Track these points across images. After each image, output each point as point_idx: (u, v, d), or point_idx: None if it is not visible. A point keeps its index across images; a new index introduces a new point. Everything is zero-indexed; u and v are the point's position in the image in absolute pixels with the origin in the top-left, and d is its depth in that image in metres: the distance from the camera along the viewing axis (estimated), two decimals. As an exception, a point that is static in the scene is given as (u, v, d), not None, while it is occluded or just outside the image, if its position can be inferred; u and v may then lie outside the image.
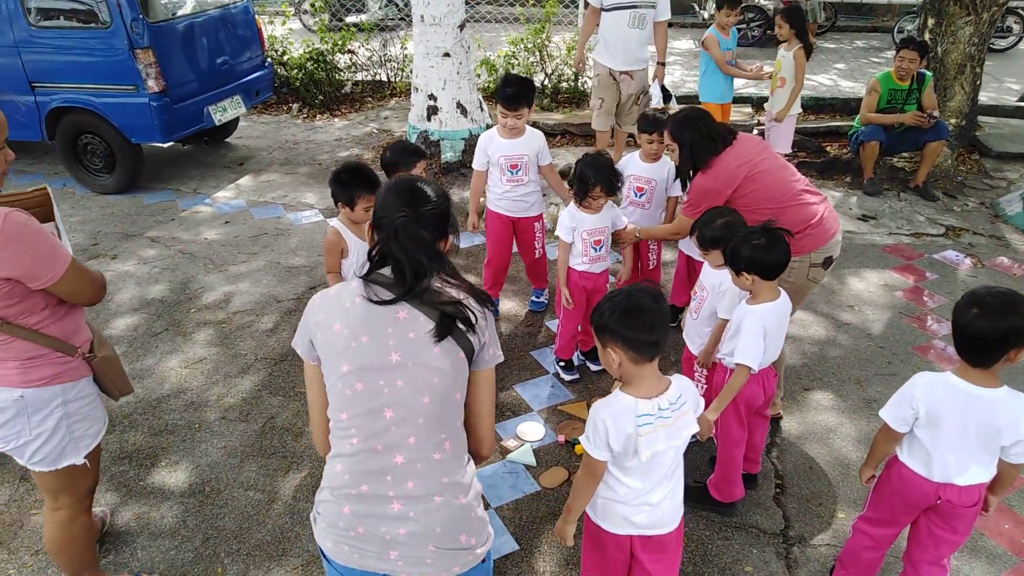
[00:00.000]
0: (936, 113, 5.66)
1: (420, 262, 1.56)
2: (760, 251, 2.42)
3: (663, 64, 5.52)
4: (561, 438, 3.26)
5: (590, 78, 5.69)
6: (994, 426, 2.00)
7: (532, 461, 3.13)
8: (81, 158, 5.88)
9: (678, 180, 3.61)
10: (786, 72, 5.58)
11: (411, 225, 1.58)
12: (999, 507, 2.91)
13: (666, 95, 5.53)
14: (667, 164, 3.77)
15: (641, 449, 1.87)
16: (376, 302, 1.57)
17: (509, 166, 3.76)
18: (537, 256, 4.07)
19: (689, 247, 3.69)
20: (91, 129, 5.69)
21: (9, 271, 1.87)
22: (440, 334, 1.56)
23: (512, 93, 3.56)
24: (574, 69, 7.92)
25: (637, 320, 1.80)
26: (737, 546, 2.71)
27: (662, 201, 3.82)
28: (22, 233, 1.85)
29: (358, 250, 3.08)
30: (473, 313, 1.60)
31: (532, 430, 3.29)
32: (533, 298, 4.31)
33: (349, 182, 2.93)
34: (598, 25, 5.37)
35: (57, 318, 2.07)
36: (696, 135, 3.03)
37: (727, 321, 2.85)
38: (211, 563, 2.66)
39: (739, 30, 10.85)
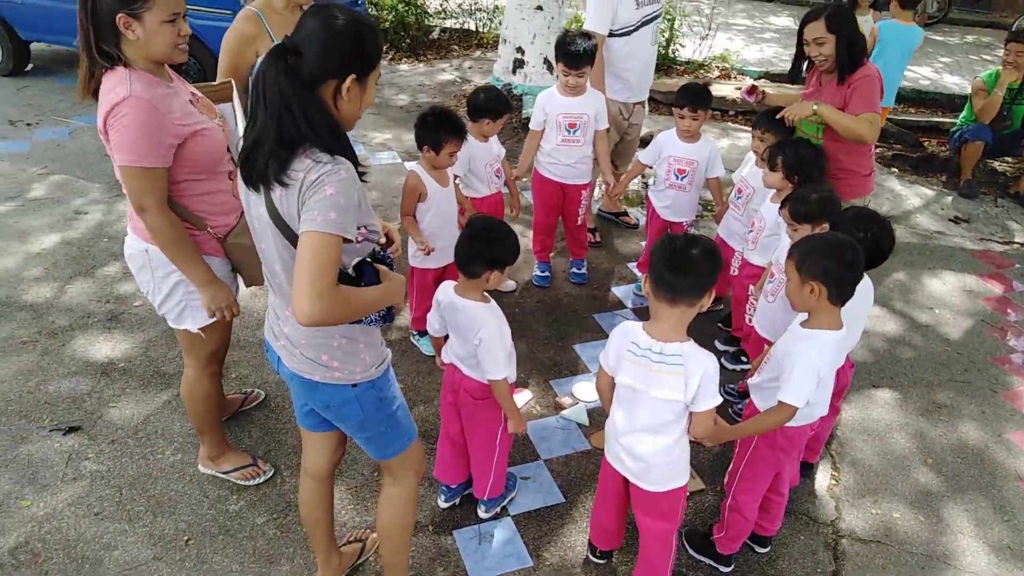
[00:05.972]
0: None
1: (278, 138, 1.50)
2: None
3: None
4: (616, 402, 3.26)
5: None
6: None
7: (585, 420, 3.15)
8: (176, 79, 6.06)
9: (719, 160, 3.58)
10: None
11: (279, 62, 1.48)
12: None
13: None
14: (708, 144, 3.57)
15: (619, 373, 2.04)
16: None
17: (567, 125, 3.63)
18: (579, 223, 3.94)
19: (727, 234, 3.50)
20: (188, 51, 5.83)
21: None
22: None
23: (575, 51, 3.41)
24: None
25: (664, 257, 1.90)
26: (785, 530, 2.68)
27: (702, 183, 3.64)
28: (123, 114, 1.97)
29: (436, 196, 3.11)
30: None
31: (588, 391, 3.30)
32: (574, 270, 4.15)
33: (437, 126, 2.95)
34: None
35: (193, 193, 2.18)
36: (853, 28, 2.93)
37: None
38: (272, 474, 2.79)
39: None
